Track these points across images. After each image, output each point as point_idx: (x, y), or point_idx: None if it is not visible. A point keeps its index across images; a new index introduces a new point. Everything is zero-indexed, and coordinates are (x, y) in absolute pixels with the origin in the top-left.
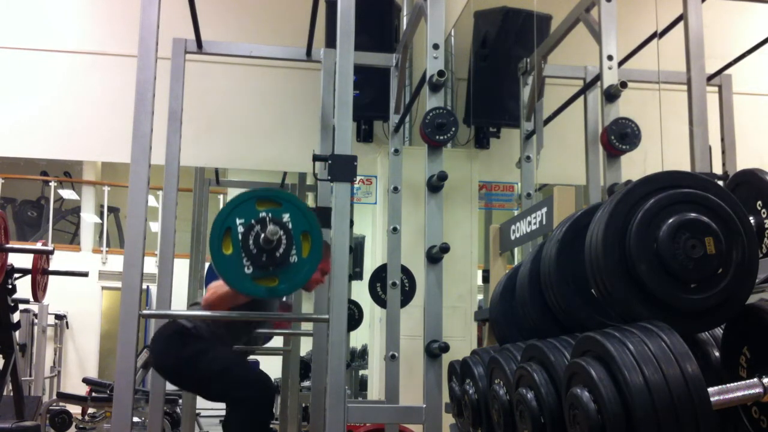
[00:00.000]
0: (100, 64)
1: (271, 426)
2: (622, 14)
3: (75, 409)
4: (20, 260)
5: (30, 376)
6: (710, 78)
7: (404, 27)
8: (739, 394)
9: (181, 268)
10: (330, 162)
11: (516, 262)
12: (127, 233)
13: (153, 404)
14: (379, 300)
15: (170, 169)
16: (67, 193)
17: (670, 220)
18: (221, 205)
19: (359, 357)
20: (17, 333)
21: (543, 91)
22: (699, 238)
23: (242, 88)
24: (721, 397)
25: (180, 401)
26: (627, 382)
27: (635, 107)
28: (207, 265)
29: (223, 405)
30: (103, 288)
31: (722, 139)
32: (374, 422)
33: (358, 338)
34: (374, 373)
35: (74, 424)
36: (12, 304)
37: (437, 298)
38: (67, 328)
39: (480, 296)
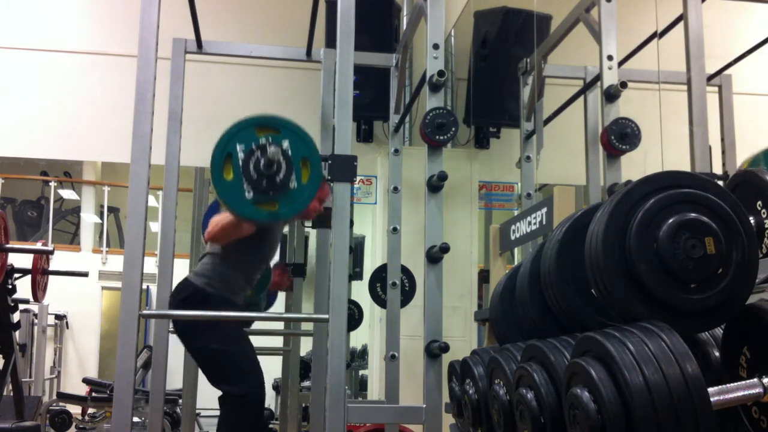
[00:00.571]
0: (100, 64)
1: (271, 426)
2: (622, 14)
3: (75, 409)
4: (20, 260)
5: (30, 377)
6: (710, 78)
7: (404, 27)
8: (739, 394)
9: (181, 268)
10: (330, 162)
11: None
12: (127, 233)
13: (153, 404)
14: (379, 300)
15: (170, 169)
16: (67, 193)
17: (670, 220)
18: None
19: (359, 357)
20: (17, 333)
21: (543, 91)
22: (699, 238)
23: (242, 88)
24: (721, 397)
25: (180, 401)
26: (627, 382)
27: (635, 107)
28: None
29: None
30: (103, 288)
31: (722, 139)
32: (374, 422)
33: (358, 338)
34: (374, 373)
35: (74, 424)
36: (12, 304)
37: (437, 298)
38: (67, 328)
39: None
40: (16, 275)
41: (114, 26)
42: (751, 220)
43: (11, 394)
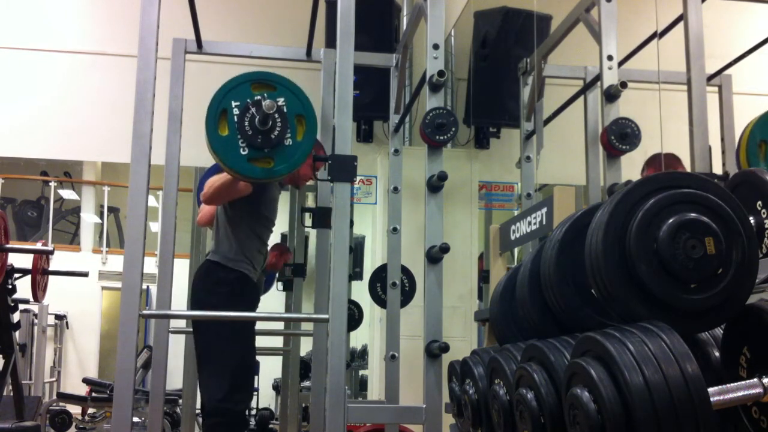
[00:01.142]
0: (100, 64)
1: (271, 426)
2: (622, 14)
3: (75, 409)
4: (20, 260)
5: (30, 379)
6: (710, 78)
7: (404, 27)
8: (739, 394)
9: (181, 268)
10: (330, 162)
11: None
12: (127, 233)
13: (153, 404)
14: (379, 300)
15: (170, 169)
16: (67, 193)
17: (670, 221)
18: None
19: (359, 357)
20: (17, 333)
21: (543, 91)
22: (699, 239)
23: None
24: (721, 397)
25: (180, 401)
26: (627, 382)
27: (635, 107)
28: None
29: None
30: (103, 288)
31: (722, 139)
32: (374, 422)
33: (358, 338)
34: (374, 373)
35: (74, 424)
36: (12, 304)
37: (437, 298)
38: (67, 328)
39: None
40: (16, 275)
41: (114, 26)
42: (751, 220)
43: (11, 394)
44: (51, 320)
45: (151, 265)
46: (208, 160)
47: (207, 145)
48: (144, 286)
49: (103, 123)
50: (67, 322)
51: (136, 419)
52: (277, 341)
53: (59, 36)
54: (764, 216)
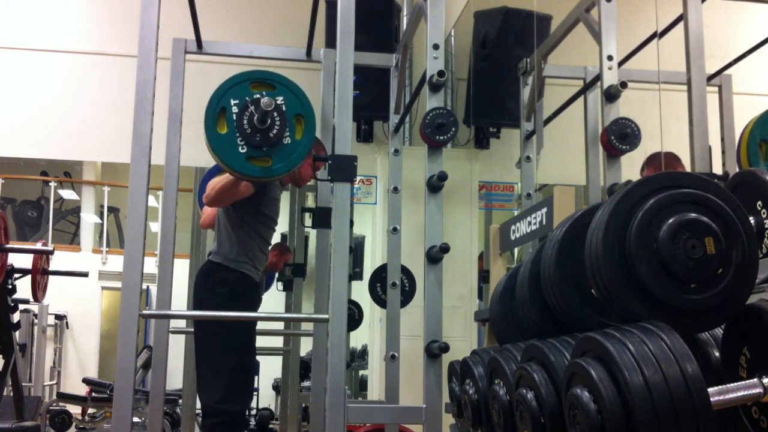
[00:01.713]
0: (100, 64)
1: (271, 426)
2: (622, 14)
3: (75, 409)
4: (20, 260)
5: (30, 381)
6: (710, 78)
7: (404, 27)
8: (739, 394)
9: (181, 268)
10: (330, 162)
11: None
12: (127, 233)
13: (153, 404)
14: (379, 300)
15: (170, 169)
16: (67, 193)
17: (670, 221)
18: None
19: (359, 357)
20: (17, 333)
21: (543, 91)
22: (699, 239)
23: None
24: (721, 397)
25: (180, 401)
26: (627, 382)
27: (635, 107)
28: None
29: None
30: (103, 288)
31: (722, 139)
32: (374, 422)
33: (358, 338)
34: (374, 373)
35: (74, 424)
36: (12, 304)
37: (437, 298)
38: (67, 328)
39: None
40: (16, 275)
41: (114, 26)
42: (751, 220)
43: (11, 394)
44: (51, 320)
45: (151, 265)
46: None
47: (206, 144)
48: (144, 286)
49: (103, 123)
50: (67, 322)
51: (136, 419)
52: (277, 341)
53: (59, 36)
54: (764, 216)
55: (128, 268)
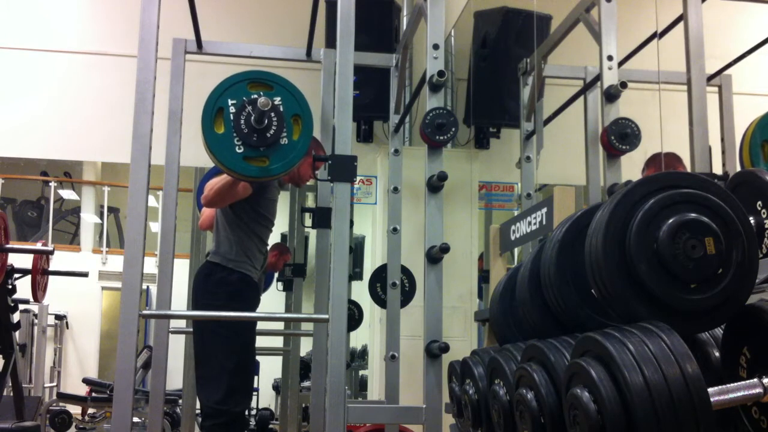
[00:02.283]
0: (100, 64)
1: (271, 426)
2: (622, 14)
3: (75, 410)
4: (20, 260)
5: (30, 381)
6: (710, 78)
7: (404, 27)
8: (739, 394)
9: (181, 268)
10: (330, 162)
11: (516, 263)
12: (127, 233)
13: (153, 404)
14: (379, 300)
15: (170, 169)
16: (67, 193)
17: (670, 221)
18: None
19: (359, 357)
20: (17, 333)
21: (543, 91)
22: (699, 239)
23: None
24: (721, 398)
25: (180, 401)
26: (627, 382)
27: (635, 107)
28: None
29: None
30: (103, 288)
31: (722, 139)
32: (374, 422)
33: (358, 338)
34: (374, 373)
35: (74, 424)
36: (12, 305)
37: (437, 298)
38: (67, 328)
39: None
40: (16, 275)
41: (114, 26)
42: (751, 220)
43: (11, 394)
44: (51, 320)
45: (151, 265)
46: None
47: (203, 144)
48: (144, 286)
49: (103, 123)
50: (67, 322)
51: (136, 419)
52: (277, 341)
53: (59, 36)
54: (764, 216)
55: (128, 268)
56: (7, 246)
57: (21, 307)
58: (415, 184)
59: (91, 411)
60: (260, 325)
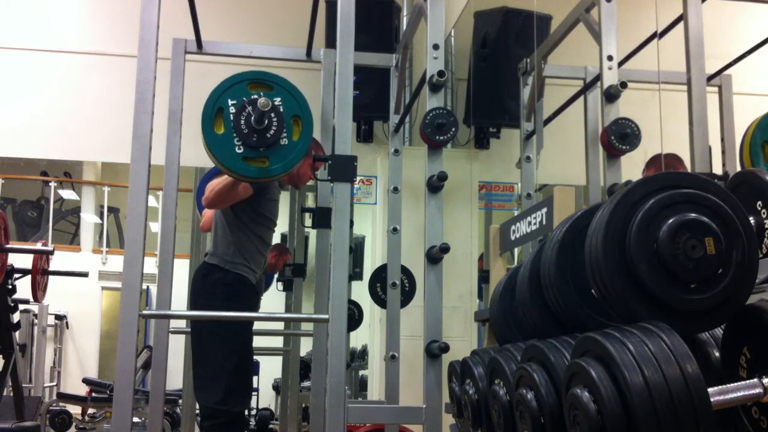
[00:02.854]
0: (99, 64)
1: (271, 426)
2: (622, 14)
3: (75, 410)
4: (20, 260)
5: (30, 381)
6: (710, 78)
7: (404, 27)
8: (739, 394)
9: (181, 268)
10: (330, 162)
11: (516, 263)
12: (127, 233)
13: (153, 404)
14: (379, 300)
15: (170, 169)
16: (67, 194)
17: (670, 221)
18: None
19: (359, 357)
20: (17, 333)
21: (543, 92)
22: (699, 239)
23: None
24: (721, 398)
25: (180, 401)
26: (627, 382)
27: (635, 107)
28: None
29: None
30: (103, 288)
31: (722, 139)
32: (374, 422)
33: (358, 338)
34: (374, 373)
35: (74, 424)
36: (12, 305)
37: (437, 298)
38: (67, 328)
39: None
40: (16, 275)
41: (114, 26)
42: (751, 220)
43: (11, 394)
44: (51, 320)
45: (151, 265)
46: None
47: (203, 144)
48: (144, 286)
49: (103, 123)
50: (67, 323)
51: (136, 419)
52: (277, 341)
53: (59, 36)
54: (764, 216)
55: (128, 268)
56: (7, 246)
57: (21, 307)
58: (415, 184)
59: (91, 411)
60: (260, 325)
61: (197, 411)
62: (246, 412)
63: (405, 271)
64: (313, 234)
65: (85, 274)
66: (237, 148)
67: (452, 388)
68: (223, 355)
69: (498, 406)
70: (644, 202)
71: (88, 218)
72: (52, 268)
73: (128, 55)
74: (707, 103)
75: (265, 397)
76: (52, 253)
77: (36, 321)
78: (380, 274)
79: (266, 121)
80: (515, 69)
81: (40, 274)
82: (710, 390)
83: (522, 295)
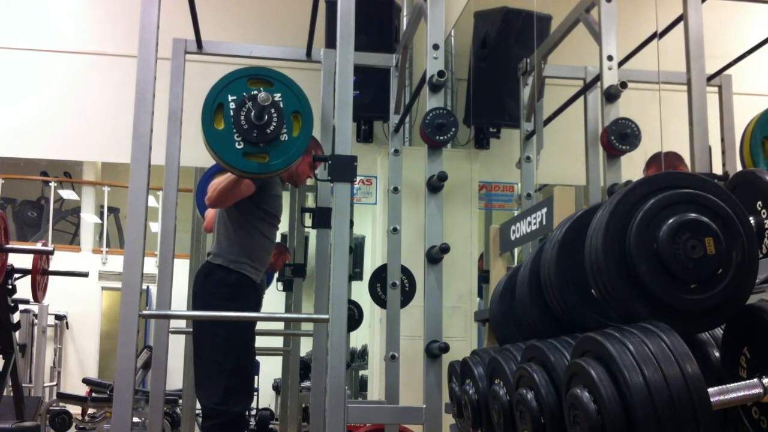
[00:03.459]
0: (100, 64)
1: (271, 426)
2: (622, 14)
3: (75, 410)
4: (20, 260)
5: (30, 381)
6: (710, 78)
7: (404, 27)
8: (739, 394)
9: (181, 268)
10: (330, 162)
11: (516, 263)
12: (127, 233)
13: (153, 404)
14: (379, 300)
15: (170, 169)
16: (67, 194)
17: (670, 221)
18: None
19: (359, 357)
20: (17, 333)
21: (543, 92)
22: (699, 239)
23: None
24: (721, 398)
25: (180, 401)
26: (627, 382)
27: (635, 107)
28: None
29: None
30: (103, 288)
31: (722, 139)
32: (374, 422)
33: (358, 338)
34: (374, 373)
35: (74, 424)
36: (12, 305)
37: (437, 298)
38: (67, 328)
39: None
40: (16, 275)
41: (114, 26)
42: (751, 220)
43: (11, 394)
44: (51, 320)
45: (151, 265)
46: (208, 160)
47: (203, 140)
48: (144, 286)
49: (103, 123)
50: (67, 323)
51: (136, 419)
52: (277, 341)
53: (59, 36)
54: (764, 216)
55: (128, 268)
56: (7, 246)
57: (21, 307)
58: (415, 184)
59: (91, 411)
60: (260, 325)
61: (197, 411)
62: (246, 413)
63: (405, 271)
64: (313, 234)
65: (85, 274)
66: (237, 143)
67: (452, 388)
68: (222, 354)
69: (498, 406)
70: (644, 202)
71: (88, 218)
72: (52, 268)
73: (128, 55)
74: (707, 103)
75: (265, 397)
76: (52, 253)
77: (36, 321)
78: (380, 274)
79: (266, 117)
80: (515, 69)
81: (40, 274)
82: (710, 390)
83: (522, 295)
